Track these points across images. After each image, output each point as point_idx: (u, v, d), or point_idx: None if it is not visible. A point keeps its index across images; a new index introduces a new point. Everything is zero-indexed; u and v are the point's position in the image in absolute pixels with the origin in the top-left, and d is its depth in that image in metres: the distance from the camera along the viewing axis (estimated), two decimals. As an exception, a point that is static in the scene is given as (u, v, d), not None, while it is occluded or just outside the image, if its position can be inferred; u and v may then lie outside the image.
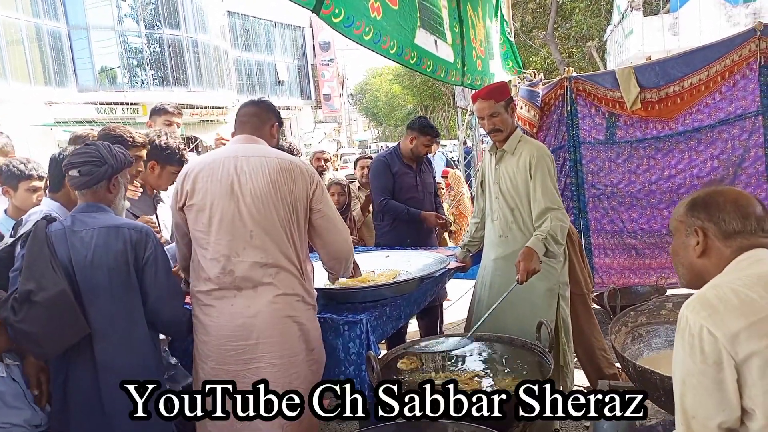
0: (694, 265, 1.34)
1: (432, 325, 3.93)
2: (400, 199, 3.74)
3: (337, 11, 2.07)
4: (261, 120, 2.19)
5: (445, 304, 4.29)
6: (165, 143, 2.58)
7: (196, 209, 2.01)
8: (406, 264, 2.96)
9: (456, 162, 11.11)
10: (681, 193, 4.41)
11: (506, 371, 2.16)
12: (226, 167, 2.01)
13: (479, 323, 2.37)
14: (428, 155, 3.98)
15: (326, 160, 5.02)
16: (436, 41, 2.95)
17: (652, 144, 4.48)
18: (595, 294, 4.73)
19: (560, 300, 2.68)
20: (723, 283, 1.23)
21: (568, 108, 4.78)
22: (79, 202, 1.97)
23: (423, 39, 2.76)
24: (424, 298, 2.84)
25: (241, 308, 1.99)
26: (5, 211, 2.54)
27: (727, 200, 1.30)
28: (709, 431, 1.19)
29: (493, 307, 2.37)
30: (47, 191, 2.32)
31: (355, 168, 5.19)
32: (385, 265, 2.98)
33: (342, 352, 2.44)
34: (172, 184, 2.49)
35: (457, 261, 3.07)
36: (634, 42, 13.52)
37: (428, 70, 2.96)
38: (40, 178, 2.53)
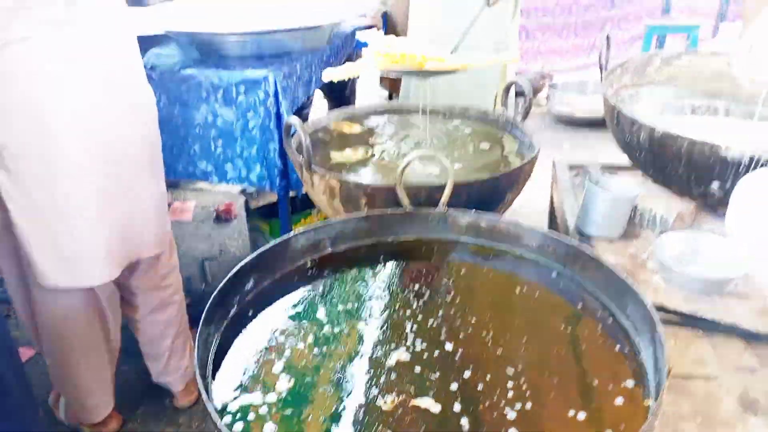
0: None
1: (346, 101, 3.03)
2: None
3: None
4: None
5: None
6: None
7: None
8: (304, 11, 2.12)
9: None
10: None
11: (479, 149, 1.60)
12: None
13: (457, 45, 1.69)
14: None
15: None
16: None
17: None
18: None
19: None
20: None
21: None
22: None
23: None
24: (335, 57, 2.09)
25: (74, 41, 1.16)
26: None
27: None
28: None
29: (465, 32, 1.70)
30: None
31: None
32: (278, 14, 2.11)
33: (234, 127, 1.69)
34: None
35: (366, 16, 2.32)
36: None
37: None
38: None
